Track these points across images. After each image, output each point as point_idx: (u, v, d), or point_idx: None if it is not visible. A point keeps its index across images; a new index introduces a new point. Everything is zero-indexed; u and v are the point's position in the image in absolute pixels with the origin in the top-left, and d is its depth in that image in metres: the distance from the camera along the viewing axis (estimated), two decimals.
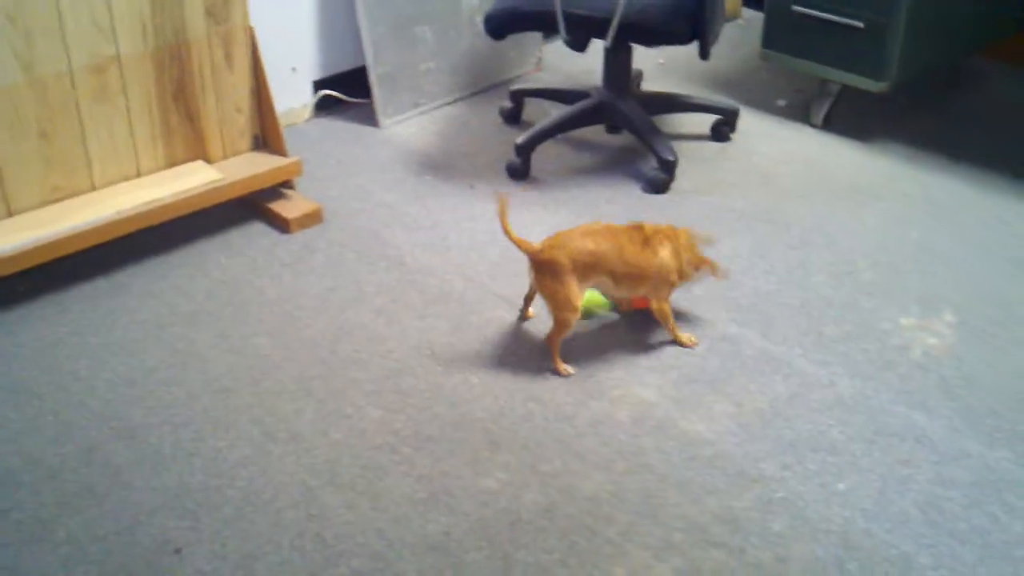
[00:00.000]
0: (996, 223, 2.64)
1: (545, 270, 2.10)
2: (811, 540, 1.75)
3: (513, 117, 3.20)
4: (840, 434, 1.97)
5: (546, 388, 2.10)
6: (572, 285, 2.09)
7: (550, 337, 2.15)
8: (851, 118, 3.16)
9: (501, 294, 2.38)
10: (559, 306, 2.11)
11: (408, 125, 3.19)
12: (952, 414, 2.03)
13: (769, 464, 1.91)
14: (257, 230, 2.64)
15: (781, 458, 1.92)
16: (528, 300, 2.29)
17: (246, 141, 2.68)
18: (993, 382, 2.11)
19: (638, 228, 2.17)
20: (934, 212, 2.70)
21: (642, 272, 2.14)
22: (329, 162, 2.97)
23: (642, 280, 2.15)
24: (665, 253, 2.14)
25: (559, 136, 3.04)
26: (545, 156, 2.97)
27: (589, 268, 2.11)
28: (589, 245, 2.11)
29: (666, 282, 2.16)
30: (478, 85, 3.40)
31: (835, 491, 1.85)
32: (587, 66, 3.51)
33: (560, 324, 2.12)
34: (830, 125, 3.13)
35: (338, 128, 3.17)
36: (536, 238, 2.59)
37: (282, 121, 2.94)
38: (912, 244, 2.56)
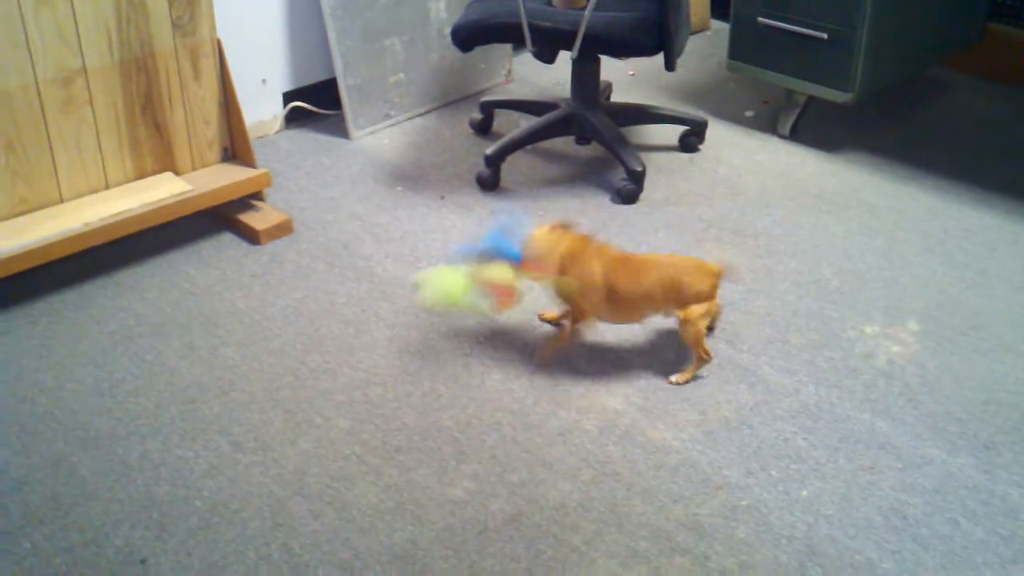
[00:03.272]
0: (960, 232, 2.68)
1: None
2: (775, 547, 1.77)
3: (483, 128, 3.21)
4: (804, 441, 1.99)
5: (514, 398, 2.11)
6: None
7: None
8: (818, 129, 3.19)
9: None
10: None
11: (379, 136, 3.20)
12: (915, 421, 2.05)
13: (733, 471, 1.92)
14: (227, 241, 2.64)
15: (745, 465, 1.93)
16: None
17: (215, 153, 2.68)
18: (956, 390, 2.13)
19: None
20: (899, 222, 2.73)
21: None
22: (299, 173, 2.97)
23: None
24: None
25: (529, 147, 3.05)
26: (515, 167, 2.98)
27: None
28: None
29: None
30: (448, 97, 3.42)
31: (799, 498, 1.86)
32: (557, 78, 3.53)
33: None
34: (797, 135, 3.16)
35: (308, 140, 3.18)
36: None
37: (252, 133, 2.95)
38: (877, 253, 2.59)
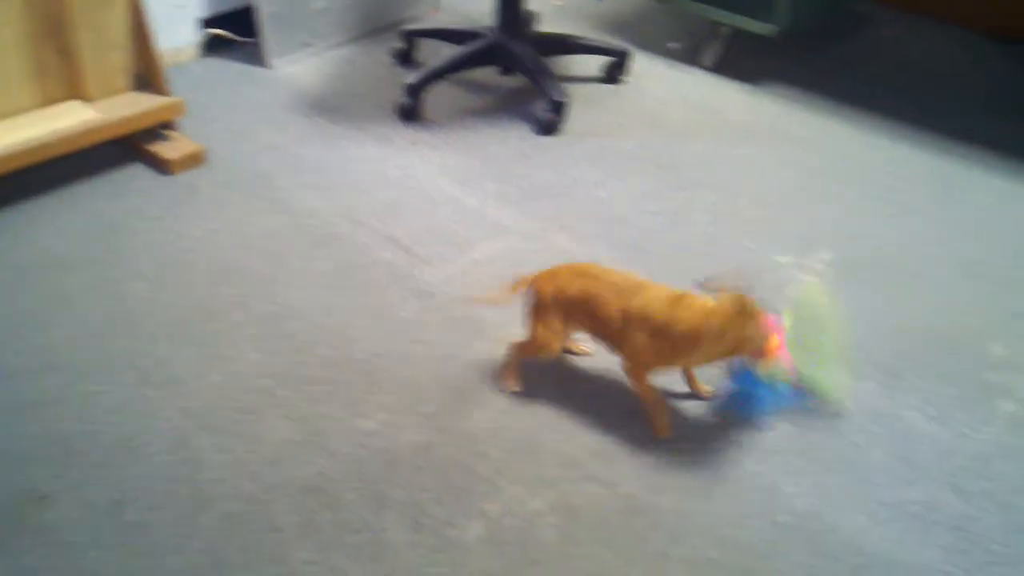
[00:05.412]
0: (878, 165, 2.70)
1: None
2: (685, 472, 1.79)
3: (405, 58, 3.16)
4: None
5: (429, 330, 2.09)
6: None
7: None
8: (741, 61, 3.18)
9: (389, 236, 2.37)
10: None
11: (298, 66, 3.13)
12: None
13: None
14: (137, 172, 2.58)
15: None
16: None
17: (126, 80, 2.60)
18: (865, 317, 2.16)
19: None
20: (819, 154, 2.74)
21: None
22: (215, 103, 2.90)
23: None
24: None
25: (451, 77, 3.01)
26: (437, 97, 2.94)
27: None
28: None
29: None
30: (373, 26, 3.35)
31: (710, 425, 1.89)
32: (486, 8, 3.47)
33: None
34: (721, 68, 3.15)
35: (225, 68, 3.10)
36: (425, 180, 2.57)
37: (167, 60, 2.86)
38: (796, 185, 2.60)
